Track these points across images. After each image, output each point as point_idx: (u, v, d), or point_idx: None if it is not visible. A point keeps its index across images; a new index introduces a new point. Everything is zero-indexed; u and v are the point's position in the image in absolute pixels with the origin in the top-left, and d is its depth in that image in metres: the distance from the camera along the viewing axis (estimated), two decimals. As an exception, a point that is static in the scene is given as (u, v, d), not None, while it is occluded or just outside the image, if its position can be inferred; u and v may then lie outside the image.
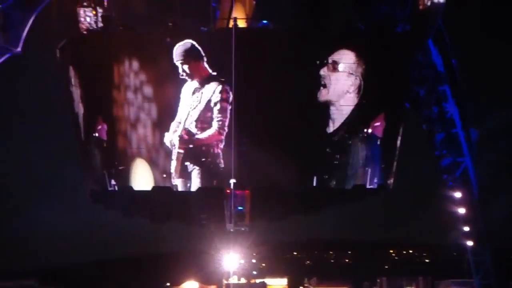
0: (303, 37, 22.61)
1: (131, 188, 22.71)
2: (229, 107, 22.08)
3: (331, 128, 22.49)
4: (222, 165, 22.14)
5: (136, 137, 22.52)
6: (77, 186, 22.98)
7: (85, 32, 23.27)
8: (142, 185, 22.74)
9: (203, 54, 22.10)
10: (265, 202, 22.69)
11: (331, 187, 22.83)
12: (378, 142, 23.08)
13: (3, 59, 23.86)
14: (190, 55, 22.13)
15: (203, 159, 22.10)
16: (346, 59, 22.48)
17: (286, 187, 22.32)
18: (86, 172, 24.38)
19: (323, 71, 22.39)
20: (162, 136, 22.33)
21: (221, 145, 22.10)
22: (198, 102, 21.89)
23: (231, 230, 23.17)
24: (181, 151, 22.13)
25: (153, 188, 22.45)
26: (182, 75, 22.15)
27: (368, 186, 23.19)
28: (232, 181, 21.97)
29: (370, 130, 22.86)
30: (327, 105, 22.48)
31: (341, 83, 22.50)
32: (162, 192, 22.38)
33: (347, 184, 22.93)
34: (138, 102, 22.40)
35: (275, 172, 21.99)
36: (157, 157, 22.46)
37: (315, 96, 22.42)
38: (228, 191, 22.33)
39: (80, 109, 23.55)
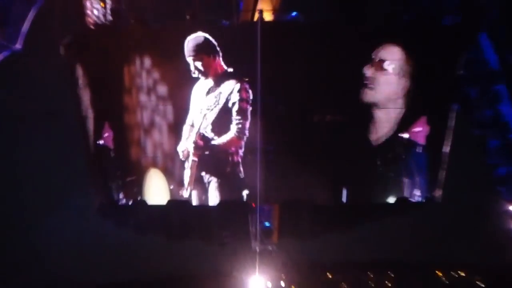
0: (338, 31, 20.30)
1: (144, 202, 20.89)
2: (249, 108, 20.04)
3: (373, 136, 20.19)
4: (243, 176, 20.18)
5: (147, 144, 20.84)
6: (85, 200, 21.57)
7: (92, 27, 21.69)
8: (155, 198, 20.89)
9: (218, 49, 20.06)
10: (295, 218, 20.67)
11: (371, 201, 20.50)
12: (420, 150, 20.55)
13: (1, 57, 21.84)
14: (203, 50, 20.13)
15: (221, 169, 20.24)
16: (394, 57, 20.11)
17: (319, 201, 20.17)
18: (94, 184, 22.30)
19: (369, 71, 20.02)
20: (177, 143, 20.53)
21: (241, 152, 20.18)
22: (217, 103, 20.02)
23: (257, 249, 21.37)
24: (196, 159, 20.27)
25: (169, 202, 20.63)
26: (194, 73, 20.12)
27: (411, 199, 20.60)
28: (245, 192, 20.19)
29: (410, 136, 20.47)
30: (369, 110, 20.16)
31: (390, 86, 20.15)
32: (179, 206, 20.64)
33: (388, 198, 20.50)
34: (150, 105, 20.69)
35: (306, 184, 20.03)
36: (173, 167, 20.65)
37: (354, 100, 20.09)
38: (254, 205, 20.33)
39: (87, 113, 21.69)
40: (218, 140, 19.98)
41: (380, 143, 20.38)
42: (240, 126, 19.90)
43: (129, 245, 20.65)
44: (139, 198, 21.08)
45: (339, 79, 20.30)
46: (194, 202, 20.72)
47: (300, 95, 20.26)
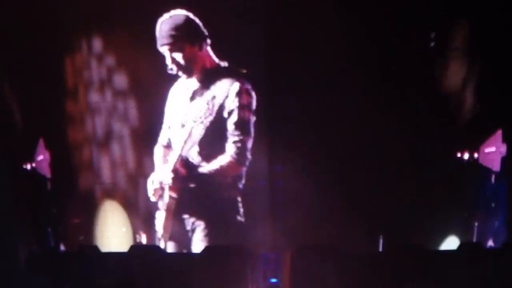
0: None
1: (95, 248, 15.67)
2: (253, 119, 14.91)
3: (425, 155, 15.12)
4: (242, 219, 15.07)
5: (101, 168, 15.85)
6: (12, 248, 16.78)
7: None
8: (112, 243, 15.94)
9: (206, 33, 14.81)
10: (314, 271, 15.03)
11: (422, 248, 15.11)
12: (494, 179, 15.60)
13: None
14: (183, 36, 14.90)
15: (212, 209, 15.27)
16: (458, 36, 14.73)
17: (348, 247, 14.99)
18: (21, 230, 16.85)
19: (422, 55, 14.72)
20: (145, 166, 15.44)
21: (240, 184, 15.06)
22: (206, 113, 14.75)
23: (260, 316, 16.95)
24: (175, 195, 15.23)
25: (132, 248, 15.40)
26: (171, 69, 14.97)
27: (483, 245, 15.67)
28: (243, 235, 15.35)
29: (480, 159, 15.38)
30: (421, 114, 14.97)
31: (451, 78, 14.93)
32: (146, 254, 15.32)
33: (448, 243, 15.48)
34: (105, 113, 15.57)
35: (329, 222, 14.99)
36: (138, 199, 15.56)
37: (399, 97, 14.78)
38: (255, 252, 15.19)
39: (10, 125, 16.44)
40: (208, 167, 14.78)
41: (435, 166, 15.17)
42: (239, 145, 14.67)
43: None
44: (87, 243, 16.05)
45: (378, 68, 15.48)
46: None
47: (318, 93, 14.89)
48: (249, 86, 14.33)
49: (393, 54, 14.58)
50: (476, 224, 15.28)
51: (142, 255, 14.96)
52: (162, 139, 14.91)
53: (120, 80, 15.24)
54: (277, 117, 14.62)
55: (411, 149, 14.91)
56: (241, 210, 14.69)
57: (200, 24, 14.35)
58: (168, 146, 14.88)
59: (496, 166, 15.11)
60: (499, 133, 15.00)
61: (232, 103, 14.30)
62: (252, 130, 14.42)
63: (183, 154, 14.53)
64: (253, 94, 14.38)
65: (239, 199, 14.64)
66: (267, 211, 14.67)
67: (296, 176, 14.74)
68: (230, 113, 14.30)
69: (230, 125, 14.33)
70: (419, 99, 14.83)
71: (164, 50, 14.41)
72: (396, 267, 15.06)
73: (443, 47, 14.63)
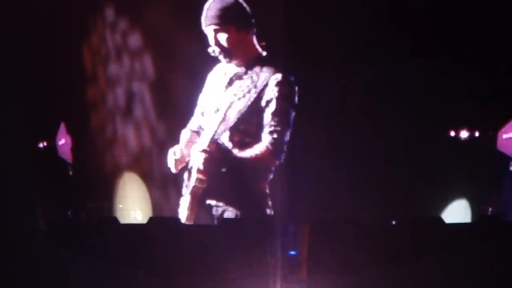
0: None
1: (115, 220, 15.69)
2: (293, 113, 14.57)
3: (445, 130, 14.87)
4: (271, 210, 14.80)
5: (127, 145, 15.73)
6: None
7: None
8: (131, 214, 15.75)
9: (254, 21, 14.53)
10: (332, 244, 15.19)
11: (441, 221, 15.08)
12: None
13: None
14: (231, 19, 14.58)
15: (243, 198, 15.03)
16: None
17: (365, 221, 15.02)
18: (40, 210, 16.72)
19: None
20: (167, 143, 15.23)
21: (270, 176, 14.76)
22: (243, 98, 14.58)
23: (278, 288, 16.22)
24: (203, 177, 14.84)
25: (151, 220, 15.35)
26: (213, 51, 14.58)
27: (503, 218, 15.29)
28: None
29: (499, 145, 15.11)
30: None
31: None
32: (165, 226, 15.31)
33: (466, 216, 15.26)
34: (130, 98, 15.45)
35: (348, 196, 14.94)
36: (157, 171, 15.39)
37: (419, 69, 14.43)
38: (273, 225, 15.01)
39: (30, 109, 16.28)
40: (242, 153, 14.68)
41: (452, 140, 15.02)
42: (275, 136, 14.40)
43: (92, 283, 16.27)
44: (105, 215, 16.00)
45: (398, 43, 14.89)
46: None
47: (337, 64, 14.71)
48: (292, 78, 14.20)
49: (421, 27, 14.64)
50: (494, 198, 15.62)
51: (161, 228, 15.02)
52: (192, 125, 14.72)
53: (137, 44, 15.21)
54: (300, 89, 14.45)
55: (429, 123, 15.13)
56: (270, 202, 14.62)
57: (249, 10, 14.27)
58: (197, 132, 14.75)
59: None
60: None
61: (271, 93, 14.14)
62: (290, 122, 14.28)
63: (216, 137, 14.41)
64: (296, 87, 14.23)
65: (267, 190, 14.58)
66: (285, 184, 14.59)
67: (314, 149, 14.70)
68: (268, 103, 14.17)
69: (268, 114, 14.18)
70: (437, 71, 15.12)
71: (209, 30, 14.22)
72: (414, 240, 15.42)
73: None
